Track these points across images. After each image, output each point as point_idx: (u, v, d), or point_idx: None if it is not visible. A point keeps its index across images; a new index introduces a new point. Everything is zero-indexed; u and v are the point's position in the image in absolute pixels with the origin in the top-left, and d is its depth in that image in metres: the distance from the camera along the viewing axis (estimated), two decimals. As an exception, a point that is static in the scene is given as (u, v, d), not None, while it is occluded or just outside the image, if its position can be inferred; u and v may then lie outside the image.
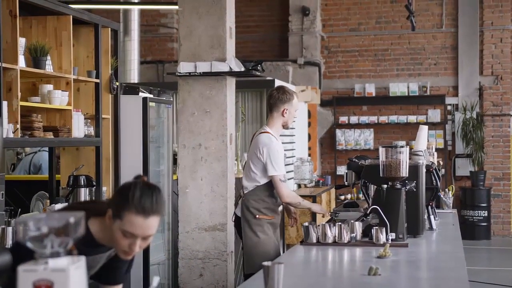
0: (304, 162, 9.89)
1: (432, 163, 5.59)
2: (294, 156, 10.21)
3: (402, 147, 4.45)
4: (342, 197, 11.77)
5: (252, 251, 5.02)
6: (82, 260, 1.78)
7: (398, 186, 4.43)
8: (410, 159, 5.07)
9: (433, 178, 5.04)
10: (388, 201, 4.39)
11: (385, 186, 4.42)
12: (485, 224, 12.23)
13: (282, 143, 5.41)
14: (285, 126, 5.18)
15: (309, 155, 12.07)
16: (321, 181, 10.72)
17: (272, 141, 5.01)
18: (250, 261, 5.02)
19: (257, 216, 5.01)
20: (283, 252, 6.67)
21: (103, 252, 2.75)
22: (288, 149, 9.70)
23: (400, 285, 3.23)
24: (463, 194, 12.37)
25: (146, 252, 6.23)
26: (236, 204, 5.27)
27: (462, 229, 12.09)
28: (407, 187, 4.52)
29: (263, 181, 5.02)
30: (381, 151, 4.45)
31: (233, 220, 5.31)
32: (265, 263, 2.74)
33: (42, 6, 4.95)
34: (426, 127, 5.71)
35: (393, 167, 4.41)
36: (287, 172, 8.60)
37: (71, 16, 5.18)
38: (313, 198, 9.06)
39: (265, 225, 5.05)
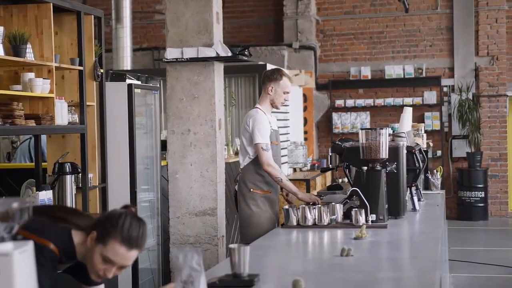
0: (297, 146, 9.91)
1: (417, 144, 5.60)
2: (289, 140, 10.22)
3: (382, 129, 4.46)
4: (340, 180, 11.77)
5: (246, 223, 5.23)
6: (29, 245, 1.80)
7: (378, 167, 4.45)
8: (393, 140, 5.09)
9: (416, 160, 5.05)
10: (368, 183, 4.42)
11: (365, 168, 4.44)
12: (482, 205, 12.25)
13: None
14: (273, 105, 5.34)
15: (306, 139, 12.09)
16: (316, 164, 10.74)
17: (258, 113, 5.23)
18: (244, 233, 5.26)
19: (251, 189, 5.21)
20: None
21: (73, 262, 2.79)
22: (282, 133, 9.71)
23: (369, 265, 3.25)
24: (460, 175, 12.38)
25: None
26: (236, 181, 5.44)
27: (459, 210, 12.27)
28: (388, 169, 4.53)
29: (252, 152, 5.22)
30: (361, 133, 4.47)
31: (234, 195, 5.52)
32: (231, 246, 2.77)
33: (22, -5, 4.97)
34: (410, 109, 5.72)
35: (373, 149, 4.42)
36: (281, 156, 8.66)
37: (51, 3, 5.17)
38: (307, 182, 9.09)
39: (259, 199, 5.23)
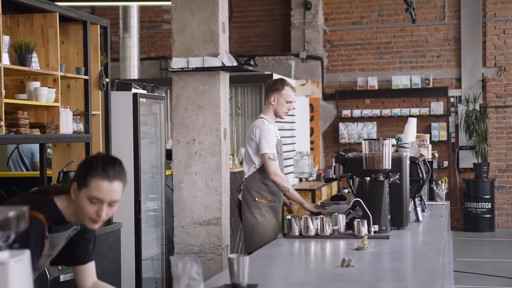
0: (303, 156, 9.91)
1: (421, 155, 5.59)
2: (294, 150, 10.23)
3: (385, 139, 4.46)
4: (346, 191, 11.73)
5: (251, 232, 5.27)
6: (25, 254, 1.81)
7: (381, 178, 4.44)
8: (396, 151, 5.09)
9: (419, 170, 5.04)
10: (371, 193, 4.41)
11: (368, 178, 4.44)
12: (489, 216, 12.20)
13: (282, 137, 5.75)
14: (277, 115, 5.39)
15: (312, 149, 12.09)
16: (322, 174, 10.73)
17: (264, 123, 5.28)
18: (249, 242, 5.29)
19: (256, 199, 5.25)
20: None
21: (67, 229, 2.85)
22: (288, 143, 9.73)
23: (369, 276, 3.24)
24: (467, 186, 12.35)
25: (138, 246, 6.27)
26: (239, 190, 5.45)
27: (466, 221, 12.22)
28: (391, 180, 4.53)
29: (258, 162, 5.26)
30: (364, 143, 4.47)
31: (237, 205, 5.54)
32: (230, 255, 2.78)
33: (28, 4, 4.99)
34: (414, 119, 5.72)
35: (376, 160, 4.42)
36: (286, 166, 8.66)
37: (57, 13, 5.21)
38: (312, 192, 9.08)
39: (264, 208, 5.26)
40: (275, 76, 9.81)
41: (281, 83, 5.41)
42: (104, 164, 2.71)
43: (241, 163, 8.32)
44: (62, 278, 4.45)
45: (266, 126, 5.25)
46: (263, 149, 5.18)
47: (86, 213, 2.72)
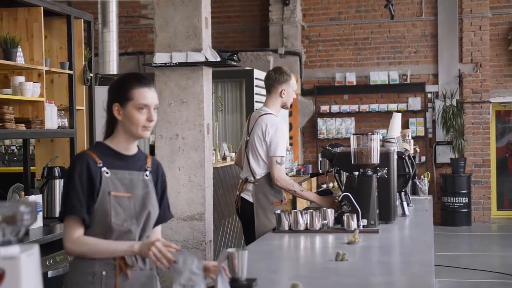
0: (284, 151, 9.92)
1: (406, 150, 5.63)
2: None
3: (373, 134, 4.48)
4: (324, 186, 11.80)
5: None
6: (35, 248, 1.79)
7: (370, 173, 4.47)
8: (382, 146, 5.11)
9: (406, 165, 5.07)
10: (360, 188, 4.43)
11: (356, 173, 4.46)
12: (465, 210, 12.34)
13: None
14: (284, 107, 5.13)
15: (291, 144, 12.13)
16: (302, 170, 10.77)
17: (278, 122, 4.97)
18: None
19: (273, 202, 4.99)
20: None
21: (131, 168, 2.94)
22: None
23: (364, 270, 3.26)
24: (444, 181, 12.46)
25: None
26: (241, 189, 5.09)
27: (443, 215, 12.35)
28: (379, 174, 4.55)
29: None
30: (352, 138, 4.49)
31: (236, 206, 5.16)
32: (229, 250, 2.77)
33: (13, -2, 4.95)
34: (399, 114, 5.76)
35: (364, 154, 4.44)
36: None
37: (41, 7, 5.16)
38: (293, 187, 9.08)
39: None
40: (256, 72, 9.81)
41: (286, 73, 5.08)
42: (136, 77, 2.92)
43: (223, 159, 8.31)
44: (50, 274, 4.40)
45: (280, 126, 4.95)
46: (273, 152, 4.89)
47: (138, 123, 2.86)
